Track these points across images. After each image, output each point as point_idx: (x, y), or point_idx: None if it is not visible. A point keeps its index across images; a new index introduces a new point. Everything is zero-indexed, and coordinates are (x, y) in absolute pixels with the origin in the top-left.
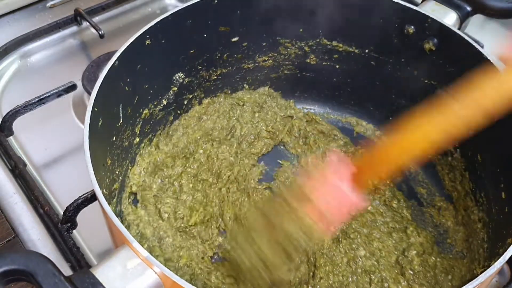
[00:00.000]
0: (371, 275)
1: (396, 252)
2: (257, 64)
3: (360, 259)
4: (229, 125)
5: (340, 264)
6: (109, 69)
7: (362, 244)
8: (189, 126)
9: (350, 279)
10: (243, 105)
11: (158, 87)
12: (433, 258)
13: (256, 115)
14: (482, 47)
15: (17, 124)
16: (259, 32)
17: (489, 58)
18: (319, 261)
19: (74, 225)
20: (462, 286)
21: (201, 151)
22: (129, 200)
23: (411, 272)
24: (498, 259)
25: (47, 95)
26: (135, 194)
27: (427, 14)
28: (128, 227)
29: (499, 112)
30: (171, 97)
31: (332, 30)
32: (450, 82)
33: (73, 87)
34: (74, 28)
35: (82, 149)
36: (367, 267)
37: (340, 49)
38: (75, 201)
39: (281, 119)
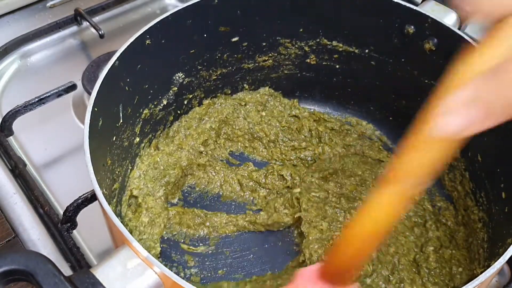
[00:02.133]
0: (390, 277)
1: (415, 250)
2: (257, 64)
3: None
4: (241, 125)
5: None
6: (109, 69)
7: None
8: (191, 128)
9: (368, 280)
10: (245, 105)
11: (158, 87)
12: (450, 250)
13: (264, 113)
14: None
15: (17, 124)
16: (259, 32)
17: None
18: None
19: (74, 225)
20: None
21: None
22: (129, 201)
23: (427, 271)
24: (498, 259)
25: (47, 95)
26: (135, 197)
27: (427, 14)
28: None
29: None
30: (171, 97)
31: (332, 30)
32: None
33: (73, 87)
34: (74, 28)
35: (82, 149)
36: (389, 269)
37: (340, 49)
38: (75, 201)
39: (288, 117)
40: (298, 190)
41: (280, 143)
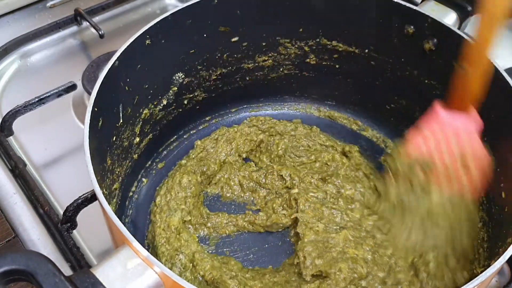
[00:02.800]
0: (386, 280)
1: (414, 253)
2: (257, 64)
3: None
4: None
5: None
6: (109, 69)
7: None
8: None
9: (363, 282)
10: None
11: (158, 87)
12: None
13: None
14: None
15: (17, 124)
16: (259, 32)
17: (488, 58)
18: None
19: (74, 225)
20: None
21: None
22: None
23: (425, 275)
24: (498, 258)
25: (47, 95)
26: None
27: (427, 14)
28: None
29: None
30: (171, 97)
31: (332, 30)
32: (450, 82)
33: (73, 87)
34: (74, 28)
35: (82, 149)
36: (386, 270)
37: (340, 49)
38: (75, 201)
39: None
40: (296, 190)
41: (287, 158)
